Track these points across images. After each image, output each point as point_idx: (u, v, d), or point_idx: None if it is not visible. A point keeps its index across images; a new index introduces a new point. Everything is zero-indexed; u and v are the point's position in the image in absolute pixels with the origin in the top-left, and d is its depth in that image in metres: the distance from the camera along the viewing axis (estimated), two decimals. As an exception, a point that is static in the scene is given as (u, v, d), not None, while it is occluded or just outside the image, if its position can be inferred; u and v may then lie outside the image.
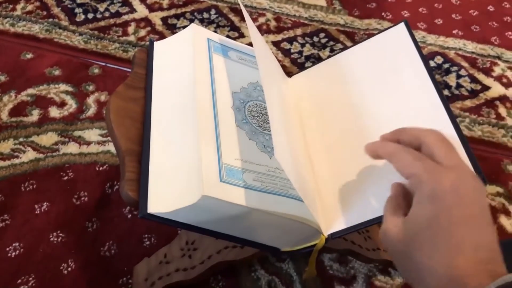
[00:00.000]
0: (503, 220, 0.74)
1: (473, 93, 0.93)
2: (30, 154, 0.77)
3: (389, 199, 0.38)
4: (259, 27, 1.04)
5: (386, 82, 0.49)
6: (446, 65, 0.98)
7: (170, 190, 0.39)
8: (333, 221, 0.43)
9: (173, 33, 1.00)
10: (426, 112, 0.45)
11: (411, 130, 0.38)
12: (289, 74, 0.58)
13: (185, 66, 0.48)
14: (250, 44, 0.50)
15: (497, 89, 0.94)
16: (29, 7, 1.04)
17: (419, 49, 0.49)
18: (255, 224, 0.41)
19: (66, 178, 0.74)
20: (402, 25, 0.52)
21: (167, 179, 0.40)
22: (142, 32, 1.00)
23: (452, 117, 0.43)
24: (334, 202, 0.44)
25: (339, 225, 0.42)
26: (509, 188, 0.78)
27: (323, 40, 1.02)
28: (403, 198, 0.37)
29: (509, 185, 0.78)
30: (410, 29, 0.51)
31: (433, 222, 0.32)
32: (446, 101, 0.45)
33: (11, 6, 1.04)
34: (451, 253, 0.31)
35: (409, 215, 0.34)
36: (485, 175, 0.39)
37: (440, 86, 0.46)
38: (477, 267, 0.30)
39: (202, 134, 0.41)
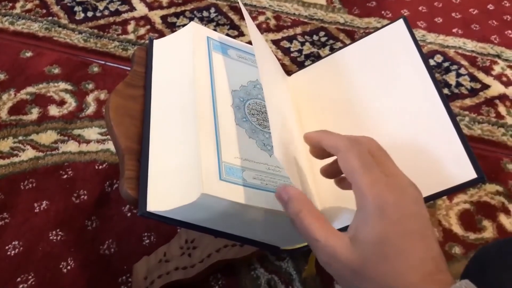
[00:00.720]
0: (503, 218, 0.74)
1: (473, 92, 0.93)
2: (29, 153, 0.77)
3: (307, 216, 0.34)
4: (258, 26, 1.04)
5: (385, 80, 0.49)
6: (446, 64, 0.98)
7: (169, 189, 0.39)
8: (332, 219, 0.43)
9: (173, 31, 1.00)
10: (426, 110, 0.45)
11: (348, 136, 0.37)
12: (288, 72, 0.58)
13: (185, 65, 0.48)
14: (250, 43, 0.50)
15: (496, 88, 0.94)
16: (29, 5, 1.04)
17: (418, 46, 0.49)
18: (254, 223, 0.41)
19: (65, 176, 0.74)
20: (400, 22, 0.52)
21: (167, 177, 0.40)
22: (142, 31, 1.00)
23: (452, 116, 0.43)
24: (333, 200, 0.44)
25: (338, 223, 0.42)
26: (509, 186, 0.78)
27: (323, 39, 1.02)
28: (315, 208, 0.35)
29: (509, 184, 0.78)
30: (409, 25, 0.51)
31: (380, 240, 0.31)
32: (446, 100, 0.44)
33: (10, 4, 1.04)
34: (404, 269, 0.30)
35: (355, 233, 0.32)
36: (484, 173, 0.39)
37: (440, 84, 0.46)
38: (427, 280, 0.30)
39: (202, 132, 0.41)
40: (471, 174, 0.39)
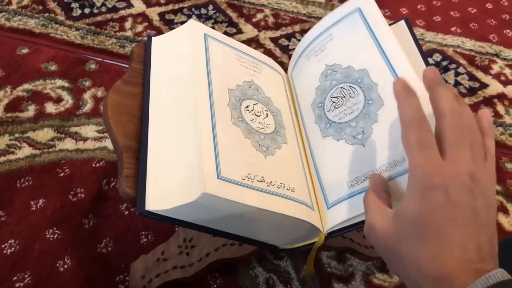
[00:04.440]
0: (501, 218, 0.74)
1: (472, 91, 0.93)
2: (26, 150, 0.76)
3: (369, 192, 0.37)
4: (257, 23, 1.03)
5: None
6: (444, 63, 0.98)
7: (168, 187, 0.39)
8: (331, 218, 0.43)
9: (171, 28, 0.99)
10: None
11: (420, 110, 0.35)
12: (287, 70, 0.58)
13: (184, 63, 0.47)
14: (247, 41, 0.50)
15: (495, 87, 0.94)
16: (25, 1, 1.03)
17: (419, 46, 0.49)
18: (255, 222, 0.41)
19: (62, 174, 0.74)
20: (402, 23, 0.52)
21: (166, 175, 0.40)
22: (139, 28, 1.00)
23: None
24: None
25: (337, 221, 0.42)
26: (507, 186, 0.78)
27: (322, 37, 1.01)
28: (383, 190, 0.37)
29: (507, 183, 0.78)
30: (410, 26, 0.51)
31: (420, 219, 0.31)
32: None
33: (6, 0, 1.03)
34: (439, 252, 0.30)
35: (399, 209, 0.33)
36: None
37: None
38: (464, 267, 0.30)
39: (202, 130, 0.40)
40: None
